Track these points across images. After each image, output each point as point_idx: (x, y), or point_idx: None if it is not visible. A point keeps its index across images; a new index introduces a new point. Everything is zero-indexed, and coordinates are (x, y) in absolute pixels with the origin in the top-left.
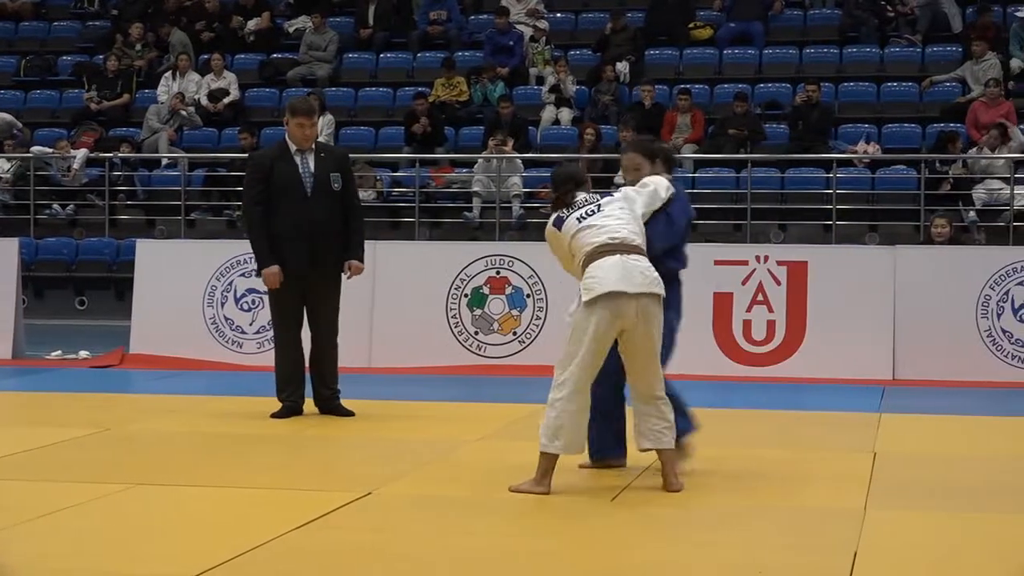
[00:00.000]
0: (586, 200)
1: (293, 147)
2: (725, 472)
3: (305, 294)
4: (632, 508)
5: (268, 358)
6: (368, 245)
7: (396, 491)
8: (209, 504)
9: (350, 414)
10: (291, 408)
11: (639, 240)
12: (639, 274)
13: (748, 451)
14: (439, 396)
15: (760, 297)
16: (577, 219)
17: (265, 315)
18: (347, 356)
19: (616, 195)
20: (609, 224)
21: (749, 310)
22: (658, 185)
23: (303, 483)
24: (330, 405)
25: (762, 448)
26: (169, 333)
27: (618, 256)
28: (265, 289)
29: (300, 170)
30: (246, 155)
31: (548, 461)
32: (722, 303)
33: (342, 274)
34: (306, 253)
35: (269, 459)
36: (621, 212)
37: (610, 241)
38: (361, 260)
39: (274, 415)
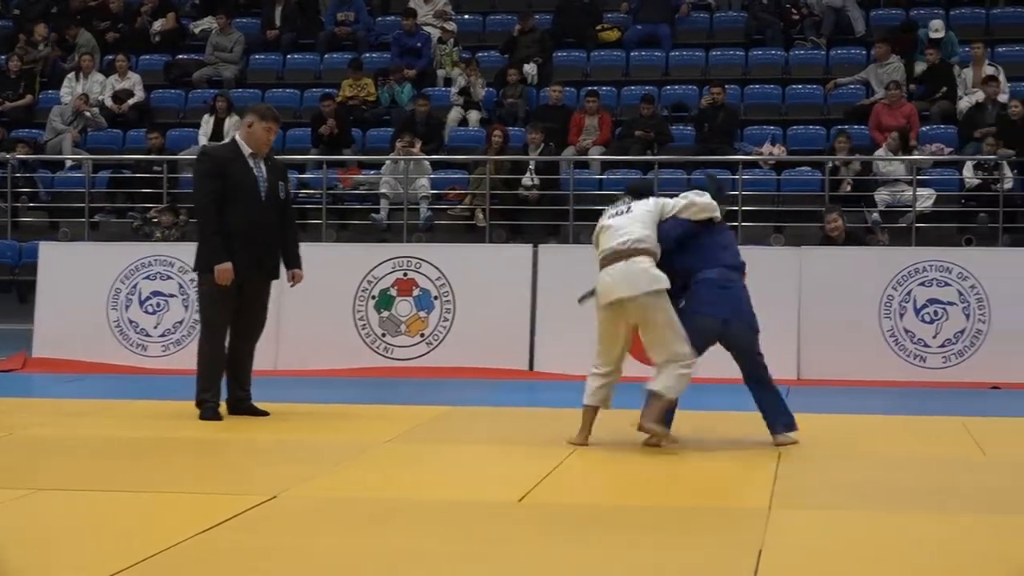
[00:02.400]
0: (627, 206)
1: (247, 151)
2: (630, 472)
3: (238, 296)
4: (538, 508)
5: (174, 361)
6: None
7: (304, 494)
8: (113, 509)
9: (265, 414)
10: (216, 409)
11: (647, 243)
12: (638, 275)
13: (656, 451)
14: (347, 398)
15: None
16: (607, 219)
17: (171, 317)
18: (253, 360)
19: (650, 200)
20: (625, 227)
21: None
22: (689, 199)
23: (209, 486)
24: (244, 406)
25: (670, 449)
26: (73, 337)
27: (622, 263)
28: (170, 292)
29: (255, 174)
30: (151, 156)
31: (586, 414)
32: None
33: (274, 281)
34: (254, 256)
35: (176, 462)
36: (643, 215)
37: (619, 247)
38: (301, 268)
39: (204, 417)
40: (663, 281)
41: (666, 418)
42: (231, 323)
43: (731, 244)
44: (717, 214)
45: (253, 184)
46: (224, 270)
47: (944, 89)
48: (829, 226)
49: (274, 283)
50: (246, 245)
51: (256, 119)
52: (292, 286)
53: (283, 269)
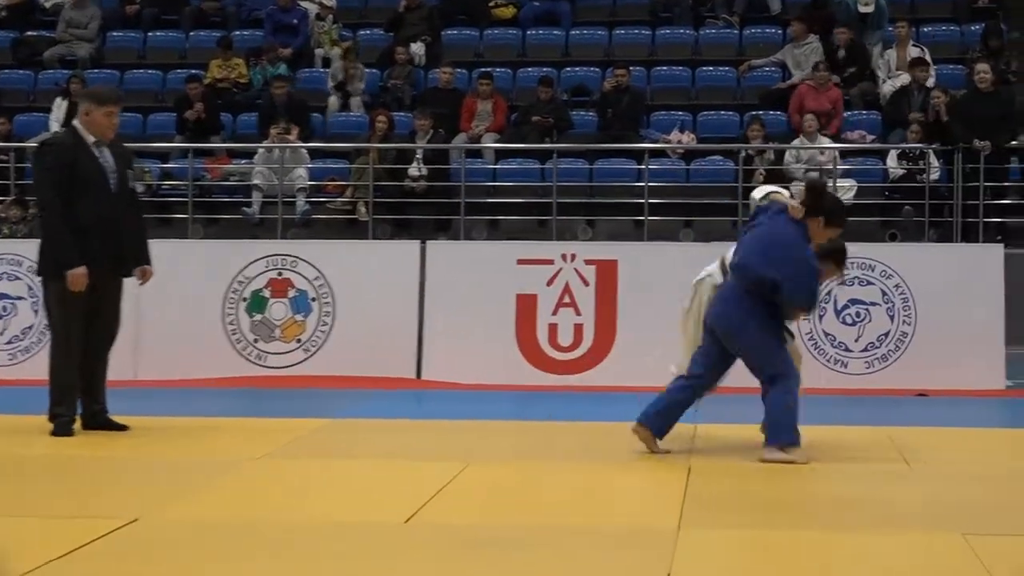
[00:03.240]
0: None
1: (91, 139)
2: (527, 489)
3: (90, 299)
4: (426, 529)
5: (23, 370)
6: None
7: (168, 516)
8: None
9: (124, 429)
10: (71, 424)
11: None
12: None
13: (552, 465)
14: (215, 411)
15: (567, 299)
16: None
17: (19, 322)
18: (109, 368)
19: None
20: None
21: (555, 313)
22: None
23: (63, 509)
24: (99, 420)
25: (568, 464)
26: None
27: None
28: (18, 294)
29: (102, 163)
30: None
31: None
32: (526, 306)
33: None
34: (107, 254)
35: (26, 483)
36: None
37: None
38: (151, 264)
39: (57, 433)
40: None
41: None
42: (88, 329)
43: (739, 244)
44: None
45: (101, 175)
46: (77, 275)
47: (851, 70)
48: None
49: (128, 282)
50: (97, 242)
51: (93, 105)
52: (141, 284)
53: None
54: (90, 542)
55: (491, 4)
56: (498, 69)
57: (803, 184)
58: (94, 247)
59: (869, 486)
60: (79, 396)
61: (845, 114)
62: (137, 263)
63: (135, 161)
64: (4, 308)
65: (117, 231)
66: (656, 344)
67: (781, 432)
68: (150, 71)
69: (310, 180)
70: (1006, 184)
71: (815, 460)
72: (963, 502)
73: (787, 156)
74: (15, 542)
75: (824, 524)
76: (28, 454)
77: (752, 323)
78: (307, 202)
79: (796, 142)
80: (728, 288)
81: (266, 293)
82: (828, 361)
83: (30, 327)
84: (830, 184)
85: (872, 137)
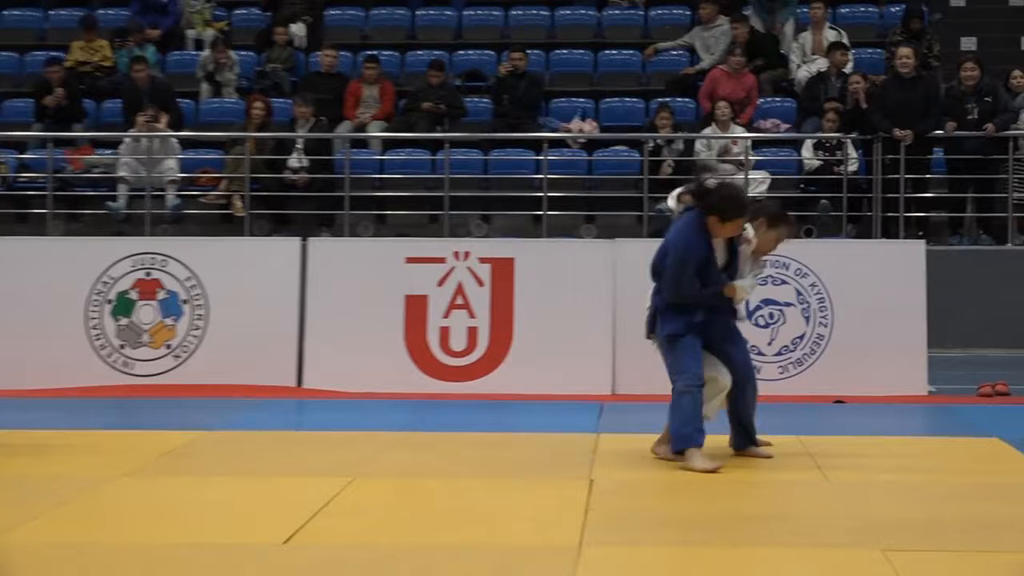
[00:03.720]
0: None
1: None
2: (418, 506)
3: None
4: (306, 551)
5: None
6: None
7: (21, 541)
8: None
9: None
10: None
11: None
12: None
13: (444, 480)
14: (76, 423)
15: (460, 300)
16: None
17: None
18: None
19: None
20: None
21: (447, 315)
22: None
23: None
24: None
25: (462, 478)
26: None
27: None
28: None
29: None
30: None
31: None
32: (415, 308)
33: None
34: None
35: None
36: None
37: None
38: None
39: None
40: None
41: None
42: None
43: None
44: None
45: None
46: None
47: (759, 62)
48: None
49: None
50: None
51: None
52: None
53: None
54: None
55: None
56: (385, 52)
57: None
58: None
59: (783, 498)
60: None
61: (757, 101)
62: None
63: None
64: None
65: None
66: (557, 349)
67: (676, 440)
68: (5, 53)
69: (181, 172)
70: (928, 176)
71: (725, 471)
72: (883, 515)
73: (697, 146)
74: None
75: (735, 540)
76: None
77: (663, 327)
78: (178, 196)
79: (708, 131)
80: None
81: (133, 295)
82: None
83: None
84: (740, 176)
85: (786, 126)
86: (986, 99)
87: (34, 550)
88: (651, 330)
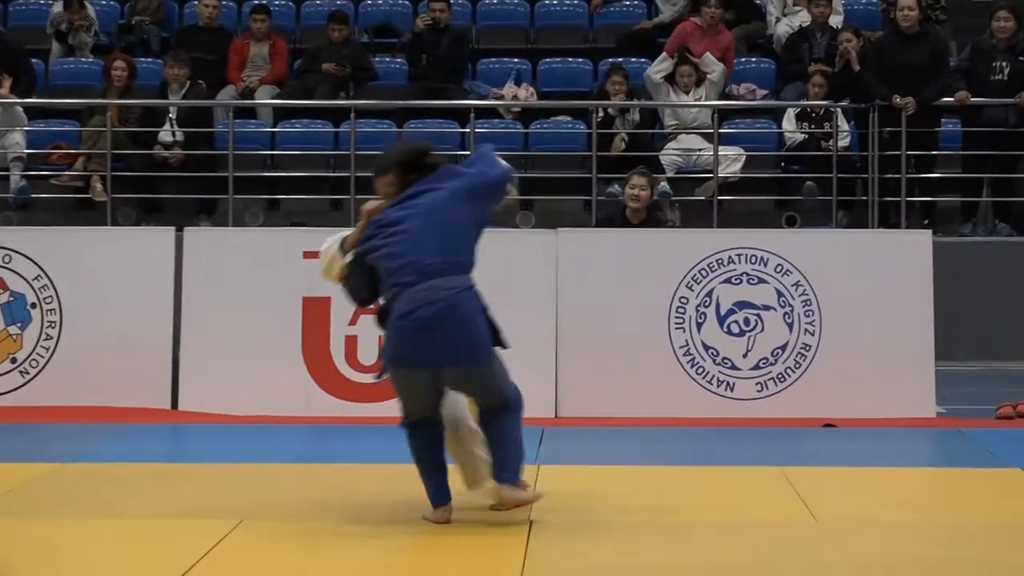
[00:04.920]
0: None
1: None
2: (318, 559)
3: None
4: None
5: None
6: None
7: None
8: None
9: None
10: None
11: None
12: None
13: (351, 527)
14: None
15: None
16: None
17: None
18: None
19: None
20: None
21: (353, 322)
22: None
23: None
24: None
25: (369, 523)
26: None
27: None
28: None
29: None
30: None
31: None
32: (315, 312)
33: None
34: None
35: None
36: None
37: None
38: None
39: None
40: None
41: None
42: None
43: None
44: None
45: None
46: None
47: (729, 16)
48: (631, 192)
49: None
50: None
51: None
52: None
53: None
54: None
55: None
56: (277, 2)
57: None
58: None
59: (763, 545)
60: None
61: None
62: None
63: None
64: None
65: None
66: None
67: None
68: None
69: (27, 148)
70: (935, 153)
71: (694, 511)
72: (882, 561)
73: (665, 116)
74: None
75: None
76: None
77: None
78: (23, 177)
79: (672, 99)
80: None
81: None
82: (709, 382)
83: None
84: (709, 154)
85: (764, 93)
86: (1021, 58)
87: None
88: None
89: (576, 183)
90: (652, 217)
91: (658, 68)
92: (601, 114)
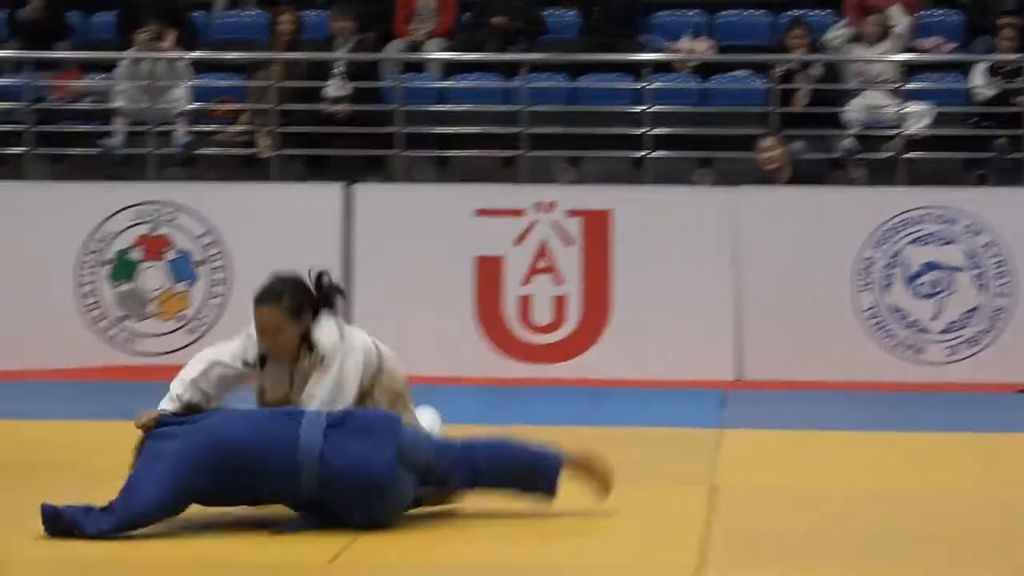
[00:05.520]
0: None
1: None
2: (495, 521)
3: None
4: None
5: None
6: None
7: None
8: None
9: None
10: None
11: None
12: None
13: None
14: (68, 412)
15: (543, 263)
16: None
17: None
18: None
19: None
20: None
21: (527, 282)
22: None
23: None
24: None
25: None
26: None
27: None
28: None
29: None
30: None
31: None
32: (488, 272)
33: None
34: None
35: None
36: None
37: None
38: None
39: None
40: None
41: None
42: None
43: None
44: None
45: None
46: None
47: None
48: (763, 156)
49: None
50: None
51: None
52: None
53: None
54: None
55: None
56: None
57: None
58: None
59: (950, 514)
60: None
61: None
62: None
63: None
64: None
65: None
66: (665, 324)
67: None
68: None
69: (192, 103)
70: None
71: (879, 479)
72: None
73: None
74: None
75: (890, 564)
76: None
77: None
78: (188, 132)
79: (857, 53)
80: None
81: (135, 255)
82: (896, 346)
83: None
84: (895, 110)
85: (952, 46)
86: None
87: None
88: None
89: (755, 140)
90: (814, 175)
91: (837, 33)
92: (781, 69)
